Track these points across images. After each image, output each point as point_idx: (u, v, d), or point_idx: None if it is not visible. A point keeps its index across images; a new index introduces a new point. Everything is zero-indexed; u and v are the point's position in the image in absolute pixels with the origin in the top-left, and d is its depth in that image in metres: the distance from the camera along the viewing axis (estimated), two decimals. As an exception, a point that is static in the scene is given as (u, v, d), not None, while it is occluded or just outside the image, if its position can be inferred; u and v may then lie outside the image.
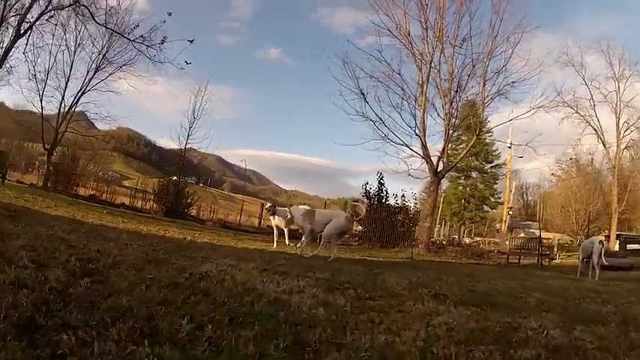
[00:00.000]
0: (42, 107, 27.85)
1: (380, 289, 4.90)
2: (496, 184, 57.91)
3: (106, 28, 17.63)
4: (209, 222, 25.86)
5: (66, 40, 27.00)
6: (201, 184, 29.44)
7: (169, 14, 16.78)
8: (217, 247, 8.49)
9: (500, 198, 53.72)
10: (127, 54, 28.09)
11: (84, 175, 31.79)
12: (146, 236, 8.08)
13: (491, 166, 58.52)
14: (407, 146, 20.98)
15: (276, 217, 11.83)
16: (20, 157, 44.20)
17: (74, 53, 28.33)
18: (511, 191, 42.42)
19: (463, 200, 59.55)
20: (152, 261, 4.66)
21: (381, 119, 20.77)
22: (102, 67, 29.23)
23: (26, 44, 18.35)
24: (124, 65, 28.74)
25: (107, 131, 33.43)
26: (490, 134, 41.22)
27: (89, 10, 17.25)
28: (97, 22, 17.51)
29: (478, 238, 49.15)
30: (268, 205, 12.65)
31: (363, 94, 20.47)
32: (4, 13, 16.66)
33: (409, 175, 21.28)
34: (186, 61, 16.79)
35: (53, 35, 25.63)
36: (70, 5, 16.93)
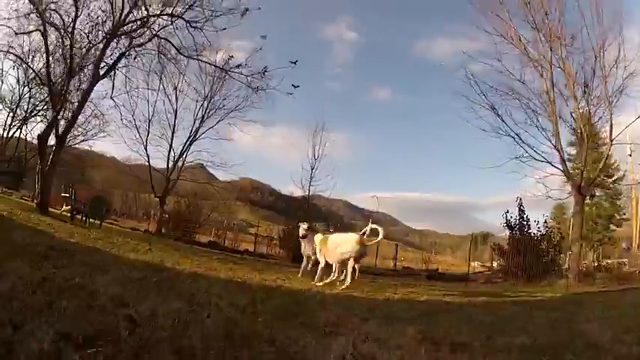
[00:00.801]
0: (147, 156, 28.72)
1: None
2: (619, 199, 51.23)
3: (194, 59, 16.45)
4: None
5: (164, 87, 28.05)
6: (331, 230, 27.82)
7: (263, 37, 15.14)
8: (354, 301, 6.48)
9: (624, 214, 48.42)
10: (232, 100, 28.49)
11: (206, 223, 31.61)
12: (251, 287, 6.39)
13: (613, 181, 51.74)
14: (548, 162, 18.95)
15: (305, 242, 10.48)
16: (138, 207, 46.65)
17: (176, 101, 29.21)
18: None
19: (590, 222, 53.30)
20: (241, 335, 2.82)
21: (517, 134, 18.99)
22: (208, 114, 29.56)
23: (112, 88, 17.76)
24: (233, 111, 28.84)
25: (229, 181, 32.52)
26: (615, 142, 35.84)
27: (171, 44, 16.71)
28: (182, 53, 16.73)
29: (609, 260, 43.44)
30: (303, 227, 10.71)
31: (494, 108, 19.12)
32: (82, 60, 16.38)
33: (548, 197, 19.35)
34: (293, 85, 15.02)
35: (147, 82, 26.34)
36: (149, 40, 16.30)
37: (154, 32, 16.02)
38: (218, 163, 30.29)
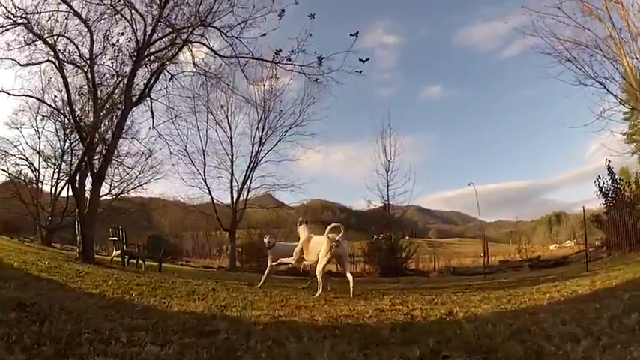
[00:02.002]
0: (208, 188, 27.91)
1: None
2: None
3: (236, 57, 13.94)
4: (432, 273, 23.41)
5: (213, 115, 27.85)
6: (407, 237, 25.84)
7: (312, 17, 12.47)
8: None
9: None
10: (288, 118, 28.25)
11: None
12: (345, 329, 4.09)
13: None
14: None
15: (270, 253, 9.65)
16: (210, 245, 45.80)
17: (229, 128, 28.59)
18: None
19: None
20: None
21: (601, 83, 17.02)
22: (267, 135, 28.61)
23: (152, 117, 15.98)
24: (291, 127, 28.42)
25: (300, 205, 32.60)
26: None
27: (207, 46, 14.58)
28: (220, 55, 14.43)
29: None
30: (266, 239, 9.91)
31: (574, 59, 17.16)
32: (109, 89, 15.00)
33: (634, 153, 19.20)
34: (361, 59, 12.10)
35: (193, 110, 25.71)
36: (179, 50, 14.12)
37: (183, 40, 13.77)
38: (284, 185, 29.17)
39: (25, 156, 30.52)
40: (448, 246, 40.25)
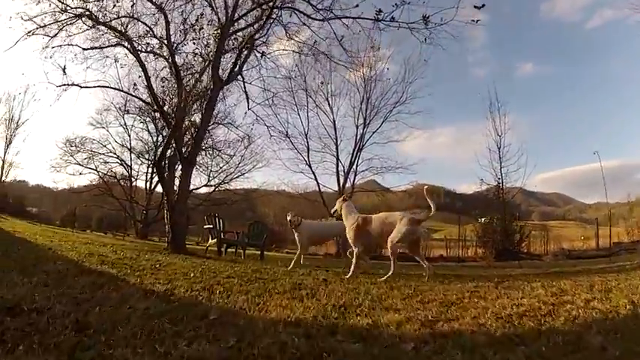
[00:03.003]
0: (313, 173, 27.40)
1: None
2: None
3: (335, 18, 11.72)
4: (546, 256, 21.19)
5: (313, 98, 26.28)
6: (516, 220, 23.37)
7: None
8: None
9: None
10: (391, 97, 26.50)
11: None
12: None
13: None
14: None
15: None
16: None
17: (332, 111, 27.25)
18: None
19: None
20: None
21: None
22: (370, 116, 27.23)
23: (247, 99, 14.48)
24: (395, 106, 26.63)
25: (404, 191, 29.49)
26: None
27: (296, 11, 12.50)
28: (314, 18, 12.27)
29: None
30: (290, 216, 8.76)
31: None
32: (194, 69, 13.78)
33: None
34: (476, 6, 9.93)
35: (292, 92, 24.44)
36: (271, 11, 12.25)
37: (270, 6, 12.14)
38: (392, 167, 27.35)
39: (115, 154, 30.81)
40: (551, 229, 36.21)
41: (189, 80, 13.64)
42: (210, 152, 26.76)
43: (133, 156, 31.18)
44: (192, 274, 5.30)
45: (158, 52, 12.98)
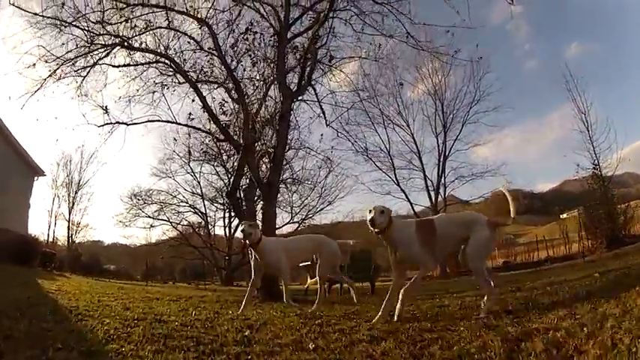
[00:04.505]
0: (404, 192, 26.47)
1: None
2: None
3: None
4: None
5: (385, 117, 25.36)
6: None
7: None
8: None
9: None
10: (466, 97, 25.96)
11: None
12: None
13: None
14: None
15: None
16: None
17: (407, 124, 26.69)
18: None
19: None
20: None
21: None
22: (449, 123, 26.68)
23: (322, 112, 12.65)
24: (471, 107, 26.17)
25: (485, 200, 28.21)
26: None
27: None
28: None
29: None
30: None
31: None
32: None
33: None
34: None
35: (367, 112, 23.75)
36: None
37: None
38: (479, 173, 26.66)
39: (187, 202, 30.22)
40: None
41: (254, 95, 12.08)
42: (290, 185, 24.95)
43: (206, 203, 30.44)
44: (308, 341, 3.12)
45: (207, 70, 11.57)
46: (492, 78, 30.53)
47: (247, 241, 5.75)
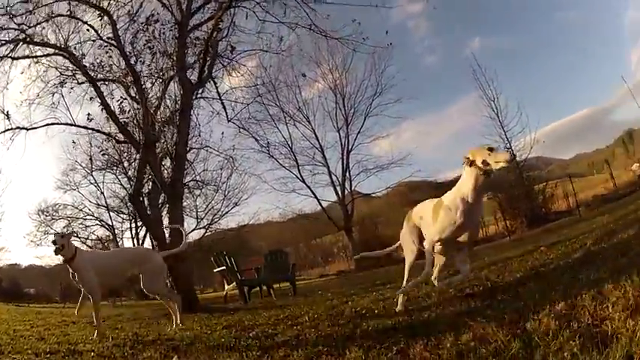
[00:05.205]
0: (309, 187, 26.25)
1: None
2: None
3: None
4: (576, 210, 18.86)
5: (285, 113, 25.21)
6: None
7: None
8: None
9: None
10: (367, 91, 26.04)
11: (395, 239, 27.18)
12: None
13: None
14: None
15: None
16: (314, 254, 42.82)
17: (308, 121, 26.49)
18: None
19: None
20: None
21: None
22: (351, 117, 26.77)
23: (224, 108, 12.03)
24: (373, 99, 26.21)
25: (387, 193, 29.71)
26: None
27: None
28: None
29: None
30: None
31: None
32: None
33: None
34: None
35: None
36: None
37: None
38: (384, 164, 26.97)
39: (93, 215, 28.03)
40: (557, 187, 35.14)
41: (152, 89, 11.07)
42: (194, 189, 23.62)
43: (112, 214, 28.23)
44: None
45: (106, 65, 10.63)
46: (394, 70, 31.06)
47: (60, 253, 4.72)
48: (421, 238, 4.02)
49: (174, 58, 10.27)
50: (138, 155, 9.92)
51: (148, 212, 9.25)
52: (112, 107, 10.38)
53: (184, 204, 23.06)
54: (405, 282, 3.99)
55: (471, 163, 3.48)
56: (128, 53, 10.29)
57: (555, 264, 4.34)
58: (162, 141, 10.87)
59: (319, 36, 11.28)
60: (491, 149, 3.45)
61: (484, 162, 3.39)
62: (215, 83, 11.30)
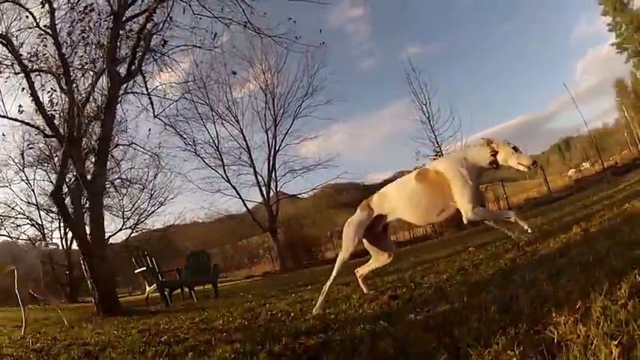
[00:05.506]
0: (235, 188, 26.06)
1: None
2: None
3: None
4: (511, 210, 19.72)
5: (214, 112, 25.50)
6: None
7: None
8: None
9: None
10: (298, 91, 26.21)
11: (319, 240, 29.52)
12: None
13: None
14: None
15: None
16: (240, 255, 42.40)
17: (237, 120, 26.52)
18: None
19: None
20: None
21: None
22: (280, 117, 26.76)
23: (151, 103, 12.10)
24: (303, 100, 26.35)
25: (314, 194, 30.52)
26: None
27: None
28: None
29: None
30: None
31: None
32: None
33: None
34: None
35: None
36: None
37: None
38: (311, 165, 26.80)
39: (24, 214, 25.91)
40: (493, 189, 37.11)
41: (82, 80, 10.67)
42: (120, 188, 22.90)
43: (42, 213, 26.08)
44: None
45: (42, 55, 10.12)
46: (327, 72, 31.82)
47: None
48: (374, 230, 3.80)
49: (106, 49, 9.87)
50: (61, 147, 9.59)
51: (71, 210, 8.98)
52: (43, 99, 9.83)
53: (111, 203, 22.66)
54: (331, 280, 3.81)
55: (495, 154, 3.41)
56: (63, 43, 9.89)
57: (485, 265, 4.11)
58: (88, 137, 10.61)
59: (254, 34, 11.47)
60: (515, 149, 3.41)
61: (503, 158, 3.38)
62: (144, 77, 11.17)
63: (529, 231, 3.42)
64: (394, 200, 3.68)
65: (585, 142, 48.48)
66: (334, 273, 3.74)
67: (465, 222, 3.50)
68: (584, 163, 55.36)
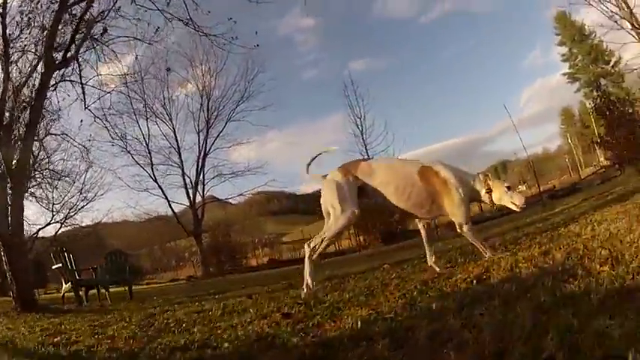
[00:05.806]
0: (161, 188, 25.76)
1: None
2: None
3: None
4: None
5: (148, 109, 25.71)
6: None
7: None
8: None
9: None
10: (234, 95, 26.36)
11: (245, 247, 29.57)
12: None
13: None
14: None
15: None
16: (168, 257, 41.43)
17: (170, 120, 26.52)
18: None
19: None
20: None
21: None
22: (214, 119, 26.84)
23: (83, 92, 11.52)
24: (238, 104, 26.49)
25: (244, 201, 31.16)
26: None
27: None
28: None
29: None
30: None
31: None
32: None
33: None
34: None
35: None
36: None
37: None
38: (241, 171, 26.86)
39: None
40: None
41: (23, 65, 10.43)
42: (52, 180, 21.88)
43: None
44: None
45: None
46: (266, 78, 32.63)
47: None
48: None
49: (47, 33, 9.51)
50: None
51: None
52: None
53: (43, 195, 21.65)
54: (307, 274, 3.74)
55: (490, 191, 3.77)
56: (10, 22, 9.51)
57: (393, 286, 3.65)
58: (20, 123, 10.28)
59: (194, 32, 11.44)
60: (508, 188, 3.80)
61: (498, 197, 3.80)
62: (80, 66, 10.77)
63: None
64: (384, 181, 3.77)
65: (523, 166, 50.38)
66: (306, 267, 3.79)
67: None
68: (520, 186, 57.50)
